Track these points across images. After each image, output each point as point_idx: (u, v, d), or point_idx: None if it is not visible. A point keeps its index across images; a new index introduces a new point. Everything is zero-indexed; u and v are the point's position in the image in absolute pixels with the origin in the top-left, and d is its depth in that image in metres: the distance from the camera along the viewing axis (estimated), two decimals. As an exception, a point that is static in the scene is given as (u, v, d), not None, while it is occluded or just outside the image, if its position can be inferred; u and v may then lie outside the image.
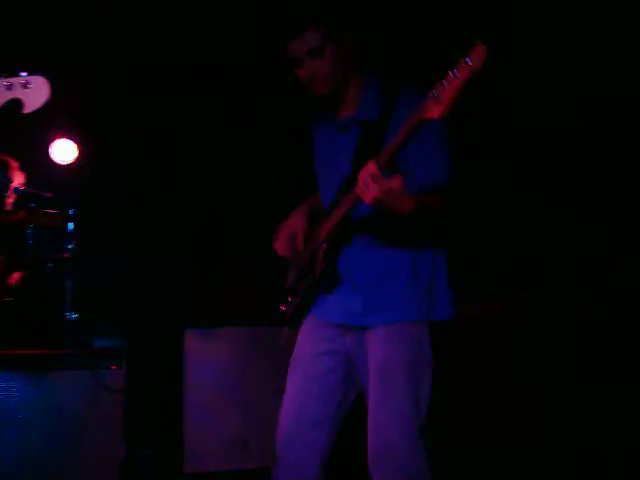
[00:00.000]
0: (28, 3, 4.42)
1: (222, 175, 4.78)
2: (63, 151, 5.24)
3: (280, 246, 2.78)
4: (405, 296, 2.52)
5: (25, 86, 1.75)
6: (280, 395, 2.64)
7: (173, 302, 4.49)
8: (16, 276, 4.21)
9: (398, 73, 2.62)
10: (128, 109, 4.99)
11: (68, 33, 4.60)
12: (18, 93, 1.74)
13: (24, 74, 1.79)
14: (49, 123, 5.08)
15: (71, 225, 4.37)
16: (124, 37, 4.71)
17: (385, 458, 2.45)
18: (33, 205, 4.35)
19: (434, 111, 2.04)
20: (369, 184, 2.19)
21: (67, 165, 5.18)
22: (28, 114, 1.78)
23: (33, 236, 4.33)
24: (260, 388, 3.85)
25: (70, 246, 4.35)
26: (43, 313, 4.18)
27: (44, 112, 4.89)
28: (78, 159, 5.16)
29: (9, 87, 1.76)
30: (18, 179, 4.50)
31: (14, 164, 4.50)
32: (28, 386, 3.56)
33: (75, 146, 5.25)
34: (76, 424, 3.57)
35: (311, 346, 2.67)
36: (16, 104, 1.75)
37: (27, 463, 3.46)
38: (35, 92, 1.76)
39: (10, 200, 4.40)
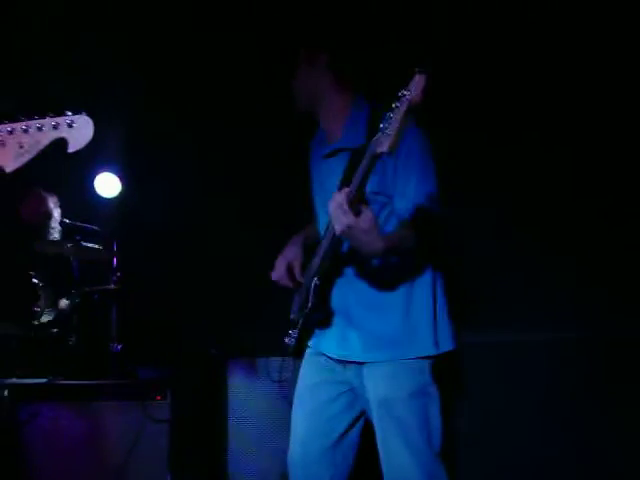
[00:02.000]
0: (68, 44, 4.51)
1: (265, 205, 4.79)
2: (107, 185, 5.34)
3: (277, 277, 2.76)
4: (403, 331, 2.49)
5: (70, 125, 1.77)
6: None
7: (217, 332, 4.51)
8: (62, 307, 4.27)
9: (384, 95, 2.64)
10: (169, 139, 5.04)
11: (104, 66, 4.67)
12: (64, 132, 1.76)
13: (69, 113, 1.82)
14: (93, 157, 5.20)
15: (115, 257, 4.44)
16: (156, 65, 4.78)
17: None
18: (79, 238, 4.43)
19: (384, 145, 2.04)
20: (336, 216, 2.16)
21: (111, 198, 5.28)
22: (73, 153, 1.79)
23: (79, 267, 4.40)
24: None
25: (115, 278, 4.41)
26: (89, 344, 4.23)
27: (89, 147, 4.98)
28: (121, 192, 5.26)
29: (55, 127, 1.78)
30: (56, 213, 4.57)
31: (53, 199, 4.57)
32: (74, 416, 3.58)
33: (118, 180, 5.35)
34: (122, 454, 3.58)
35: (311, 378, 2.66)
36: (61, 143, 1.78)
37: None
38: (80, 131, 1.77)
39: (54, 233, 4.48)
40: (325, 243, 2.52)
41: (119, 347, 4.23)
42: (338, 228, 2.17)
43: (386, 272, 2.51)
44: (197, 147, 4.92)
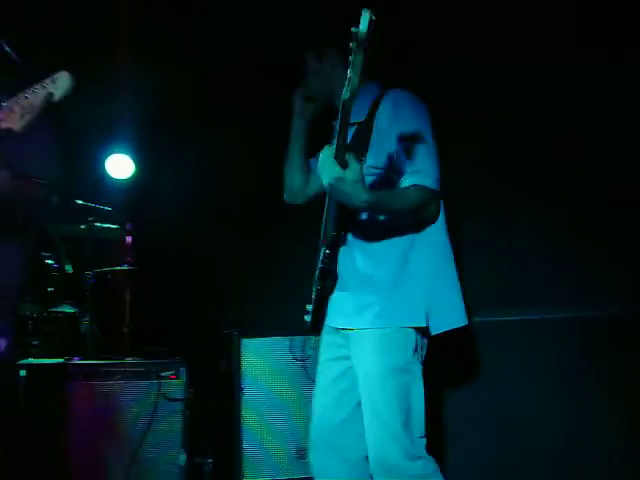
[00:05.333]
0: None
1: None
2: (119, 166, 5.36)
3: None
4: (390, 299, 2.53)
5: (53, 81, 2.16)
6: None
7: (230, 311, 4.55)
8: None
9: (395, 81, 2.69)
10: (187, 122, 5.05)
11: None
12: (50, 88, 2.16)
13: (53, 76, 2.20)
14: (106, 139, 5.22)
15: (129, 238, 4.46)
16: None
17: (385, 472, 2.49)
18: (92, 219, 4.45)
19: (346, 91, 2.20)
20: (323, 170, 2.29)
21: (124, 180, 5.31)
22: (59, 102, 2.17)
23: (93, 248, 4.43)
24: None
25: (129, 258, 4.43)
26: (103, 324, 4.26)
27: (101, 128, 4.97)
28: (134, 173, 5.29)
29: (44, 86, 2.17)
30: None
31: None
32: (89, 396, 3.62)
33: (131, 161, 5.37)
34: (136, 433, 3.62)
35: (324, 354, 2.74)
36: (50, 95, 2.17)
37: (90, 471, 3.53)
38: (61, 82, 2.16)
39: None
40: (326, 210, 2.58)
41: (131, 326, 4.27)
42: (325, 181, 2.30)
43: (383, 242, 2.57)
44: (211, 127, 4.91)
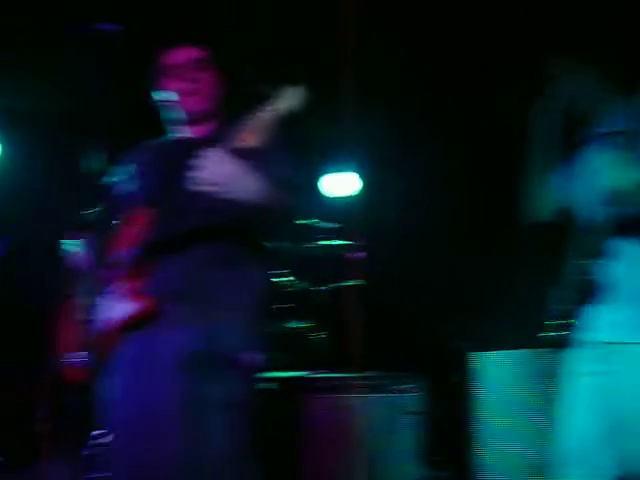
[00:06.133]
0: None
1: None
2: (345, 183, 5.53)
3: None
4: None
5: (290, 94, 2.27)
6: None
7: (458, 325, 4.53)
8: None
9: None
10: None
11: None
12: (287, 102, 2.28)
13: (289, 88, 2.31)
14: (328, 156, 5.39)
15: (360, 254, 4.57)
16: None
17: None
18: (320, 237, 4.61)
19: None
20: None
21: (350, 196, 5.47)
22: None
23: (325, 265, 4.59)
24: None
25: (360, 273, 4.53)
26: (337, 339, 4.39)
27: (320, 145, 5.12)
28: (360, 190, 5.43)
29: (279, 99, 2.27)
30: None
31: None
32: (329, 408, 3.73)
33: (357, 178, 5.51)
34: (374, 447, 3.68)
35: (578, 368, 2.54)
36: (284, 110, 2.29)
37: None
38: (295, 96, 2.28)
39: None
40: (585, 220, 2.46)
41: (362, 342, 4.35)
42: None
43: None
44: (435, 140, 4.93)
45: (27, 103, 5.27)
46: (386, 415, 3.72)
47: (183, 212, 2.44)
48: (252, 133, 2.29)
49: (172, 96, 2.67)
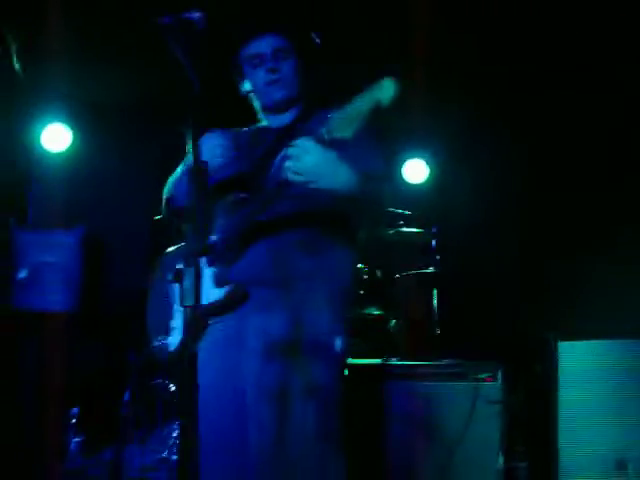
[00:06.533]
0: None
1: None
2: (416, 170, 5.51)
3: None
4: None
5: (380, 88, 2.24)
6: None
7: (547, 313, 4.48)
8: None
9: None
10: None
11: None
12: (377, 94, 2.23)
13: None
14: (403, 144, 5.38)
15: (434, 241, 4.54)
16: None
17: None
18: (398, 223, 4.59)
19: None
20: None
21: (421, 183, 5.46)
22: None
23: (399, 252, 4.57)
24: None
25: (434, 260, 4.51)
26: (411, 326, 4.36)
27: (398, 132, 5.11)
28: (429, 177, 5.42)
29: (371, 92, 2.24)
30: None
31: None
32: (408, 396, 3.71)
33: (425, 165, 5.49)
34: (454, 435, 3.65)
35: None
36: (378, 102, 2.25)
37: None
38: (388, 89, 2.24)
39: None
40: None
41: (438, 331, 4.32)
42: None
43: None
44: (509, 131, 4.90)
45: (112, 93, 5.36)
46: (466, 403, 3.67)
47: (272, 199, 2.45)
48: (345, 123, 2.26)
49: (256, 85, 2.69)
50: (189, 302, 1.86)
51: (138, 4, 4.10)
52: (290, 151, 2.29)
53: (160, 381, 4.12)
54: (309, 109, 2.74)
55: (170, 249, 3.01)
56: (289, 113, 2.73)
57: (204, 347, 2.58)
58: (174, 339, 2.71)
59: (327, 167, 2.30)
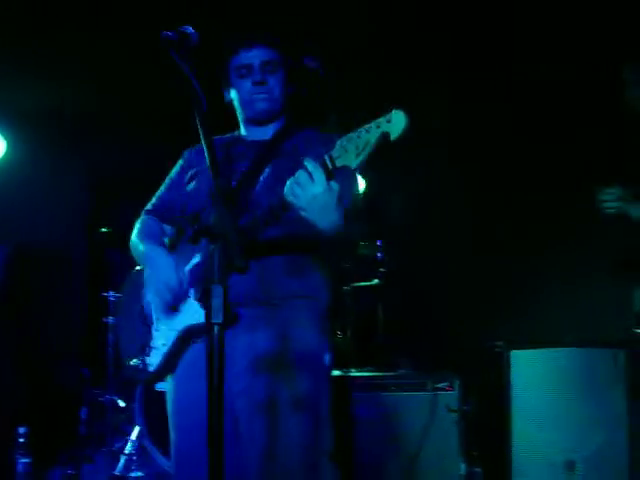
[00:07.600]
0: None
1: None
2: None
3: None
4: None
5: (389, 121, 2.15)
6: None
7: (498, 323, 4.60)
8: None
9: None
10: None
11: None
12: (384, 127, 2.16)
13: (386, 114, 2.18)
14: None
15: (380, 255, 4.61)
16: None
17: None
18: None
19: None
20: None
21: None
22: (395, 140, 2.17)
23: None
24: (589, 410, 3.80)
25: (380, 273, 4.58)
26: (359, 337, 4.42)
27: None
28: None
29: (378, 126, 2.17)
30: None
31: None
32: (367, 406, 3.77)
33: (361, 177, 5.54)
34: (414, 443, 3.73)
35: None
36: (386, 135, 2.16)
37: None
38: (397, 123, 2.15)
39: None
40: None
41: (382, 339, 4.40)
42: None
43: None
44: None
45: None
46: (425, 412, 3.75)
47: (272, 220, 2.41)
48: (351, 152, 2.18)
49: (241, 95, 2.69)
50: (218, 319, 1.85)
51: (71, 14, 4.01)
52: (299, 176, 2.21)
53: (109, 397, 4.03)
54: (289, 125, 2.75)
55: (137, 267, 2.93)
56: (270, 127, 2.73)
57: (190, 366, 2.59)
58: (153, 359, 2.66)
59: (325, 206, 2.23)
